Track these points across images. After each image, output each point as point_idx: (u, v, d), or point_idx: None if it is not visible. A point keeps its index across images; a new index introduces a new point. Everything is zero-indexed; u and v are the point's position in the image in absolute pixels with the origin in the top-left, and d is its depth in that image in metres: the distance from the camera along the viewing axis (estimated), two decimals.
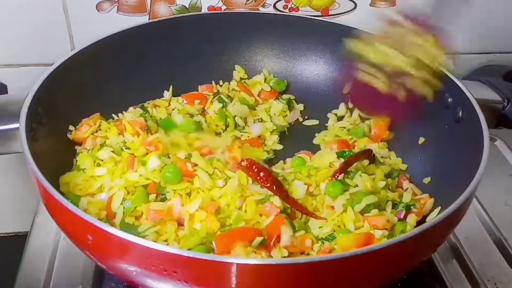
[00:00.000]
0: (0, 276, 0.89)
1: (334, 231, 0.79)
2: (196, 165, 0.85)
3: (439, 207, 0.82)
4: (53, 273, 0.87)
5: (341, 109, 1.05)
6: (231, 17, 1.11)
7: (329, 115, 1.06)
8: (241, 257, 0.70)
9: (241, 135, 1.01)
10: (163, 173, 0.83)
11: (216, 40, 1.10)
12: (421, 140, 0.95)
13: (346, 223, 0.79)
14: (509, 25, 1.23)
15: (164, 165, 0.84)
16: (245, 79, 1.10)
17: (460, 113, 0.87)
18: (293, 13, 1.14)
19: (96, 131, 0.92)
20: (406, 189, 0.90)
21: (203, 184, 0.82)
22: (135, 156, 0.87)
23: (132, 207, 0.80)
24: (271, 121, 1.04)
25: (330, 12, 1.16)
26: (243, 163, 0.84)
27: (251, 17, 1.11)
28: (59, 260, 0.89)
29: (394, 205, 0.85)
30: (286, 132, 1.04)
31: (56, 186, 0.80)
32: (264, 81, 1.10)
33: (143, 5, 1.10)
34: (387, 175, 0.91)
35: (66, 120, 0.92)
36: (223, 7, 1.13)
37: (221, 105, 1.02)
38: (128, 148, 0.87)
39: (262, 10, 1.14)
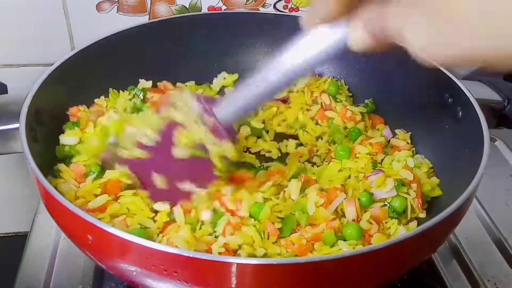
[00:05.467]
0: (0, 276, 0.89)
1: None
2: None
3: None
4: (53, 273, 0.87)
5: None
6: (231, 17, 1.11)
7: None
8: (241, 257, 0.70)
9: None
10: None
11: (216, 40, 1.10)
12: (421, 140, 0.95)
13: None
14: None
15: None
16: None
17: (460, 113, 0.87)
18: (293, 13, 1.14)
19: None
20: None
21: None
22: None
23: None
24: None
25: None
26: None
27: (251, 17, 1.11)
28: (59, 260, 0.89)
29: None
30: None
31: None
32: None
33: (143, 5, 1.10)
34: None
35: (66, 120, 0.92)
36: (223, 7, 1.13)
37: None
38: None
39: (262, 10, 1.14)
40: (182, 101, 0.77)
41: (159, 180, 0.79)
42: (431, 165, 0.91)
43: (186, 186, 0.78)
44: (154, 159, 0.79)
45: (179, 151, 0.77)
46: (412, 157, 0.91)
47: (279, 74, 0.69)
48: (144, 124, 0.79)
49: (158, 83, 1.05)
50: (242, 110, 0.75)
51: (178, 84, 1.06)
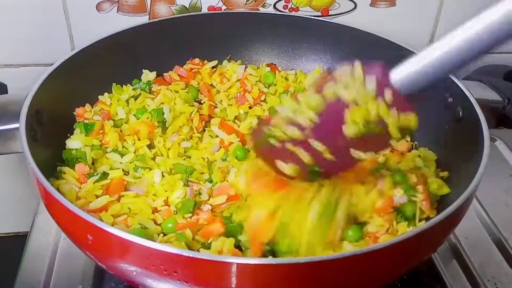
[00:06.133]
0: (0, 276, 0.89)
1: None
2: None
3: None
4: (53, 273, 0.87)
5: None
6: (231, 17, 1.11)
7: None
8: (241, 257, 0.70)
9: None
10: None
11: (216, 40, 1.10)
12: (422, 140, 0.95)
13: None
14: None
15: None
16: None
17: (460, 113, 0.87)
18: (293, 13, 1.14)
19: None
20: None
21: None
22: None
23: None
24: None
25: (330, 12, 1.15)
26: None
27: (251, 17, 1.11)
28: (59, 260, 0.89)
29: None
30: None
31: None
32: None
33: (143, 5, 1.10)
34: None
35: (66, 120, 0.92)
36: (223, 7, 1.13)
37: None
38: None
39: (262, 10, 1.14)
40: (352, 76, 0.68)
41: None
42: (435, 157, 0.90)
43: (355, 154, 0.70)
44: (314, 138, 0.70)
45: (351, 130, 0.67)
46: (416, 150, 0.92)
47: (463, 38, 0.62)
48: (302, 104, 0.70)
49: (164, 74, 1.06)
50: (423, 77, 0.66)
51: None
